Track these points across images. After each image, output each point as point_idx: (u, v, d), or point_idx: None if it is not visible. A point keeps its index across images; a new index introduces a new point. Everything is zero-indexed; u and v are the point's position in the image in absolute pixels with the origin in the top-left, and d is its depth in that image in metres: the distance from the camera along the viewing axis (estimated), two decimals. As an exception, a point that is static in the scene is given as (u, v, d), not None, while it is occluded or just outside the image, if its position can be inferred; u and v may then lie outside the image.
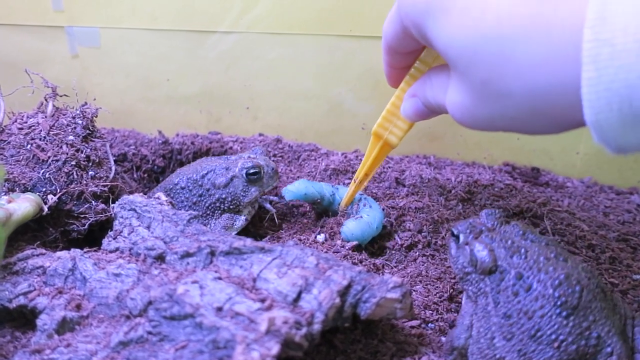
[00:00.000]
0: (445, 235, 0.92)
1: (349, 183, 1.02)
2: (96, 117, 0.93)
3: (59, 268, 0.70)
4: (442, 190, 1.05)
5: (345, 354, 0.65)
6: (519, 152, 1.27)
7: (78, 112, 0.91)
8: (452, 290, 0.81)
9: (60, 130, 0.87)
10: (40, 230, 0.83)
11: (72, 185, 0.83)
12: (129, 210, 0.81)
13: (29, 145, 0.84)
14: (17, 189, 0.81)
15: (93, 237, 0.87)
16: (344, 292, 0.61)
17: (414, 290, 0.80)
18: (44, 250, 0.77)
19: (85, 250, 0.75)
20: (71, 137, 0.87)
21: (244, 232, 0.98)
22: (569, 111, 0.47)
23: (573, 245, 0.92)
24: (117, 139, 1.27)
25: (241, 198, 0.95)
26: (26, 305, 0.67)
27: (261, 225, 1.03)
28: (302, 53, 1.24)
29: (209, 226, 0.94)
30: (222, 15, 1.24)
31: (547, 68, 0.46)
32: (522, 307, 0.60)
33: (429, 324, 0.75)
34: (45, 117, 0.88)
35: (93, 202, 0.85)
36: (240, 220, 0.96)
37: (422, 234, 0.92)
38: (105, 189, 0.87)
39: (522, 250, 0.63)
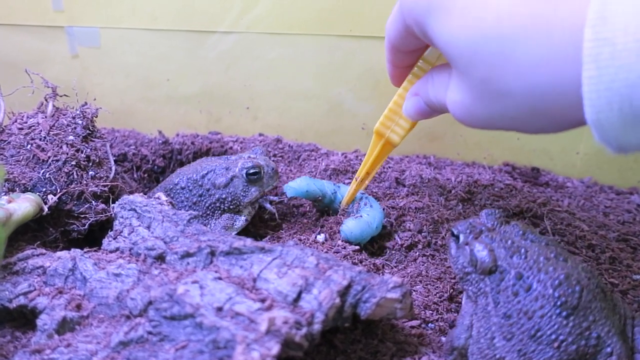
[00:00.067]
0: (445, 235, 0.92)
1: (349, 183, 1.02)
2: (96, 117, 0.93)
3: (59, 268, 0.70)
4: (442, 190, 1.05)
5: (346, 354, 0.65)
6: (519, 152, 1.28)
7: (78, 112, 0.91)
8: (452, 290, 0.81)
9: (60, 130, 0.87)
10: (40, 230, 0.83)
11: (72, 185, 0.83)
12: (129, 210, 0.81)
13: (29, 145, 0.84)
14: (17, 189, 0.81)
15: (93, 237, 0.87)
16: (344, 292, 0.61)
17: (414, 290, 0.81)
18: (44, 250, 0.77)
19: (85, 250, 0.75)
20: (71, 137, 0.87)
21: (244, 232, 0.98)
22: (569, 110, 0.47)
23: (573, 245, 0.92)
24: (117, 139, 1.27)
25: (241, 198, 0.95)
26: (26, 305, 0.67)
27: (261, 225, 1.03)
28: (302, 53, 1.24)
29: (209, 226, 0.94)
30: (222, 15, 1.24)
31: (547, 67, 0.46)
32: (522, 307, 0.60)
33: (429, 324, 0.75)
34: (46, 117, 0.88)
35: (93, 202, 0.85)
36: (241, 221, 0.96)
37: (422, 234, 0.92)
38: (106, 189, 0.87)
39: (522, 250, 0.63)
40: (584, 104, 0.43)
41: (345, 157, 1.21)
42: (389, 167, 1.16)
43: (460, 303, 0.78)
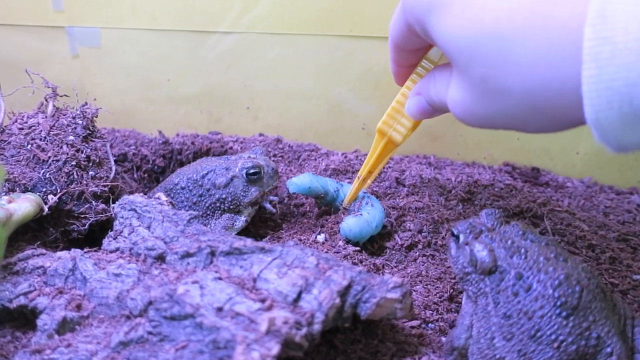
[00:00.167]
0: (445, 235, 0.92)
1: (349, 183, 1.02)
2: (96, 117, 0.93)
3: (60, 268, 0.70)
4: (442, 190, 1.05)
5: (346, 354, 0.65)
6: (519, 152, 1.28)
7: (78, 112, 0.91)
8: (452, 290, 0.81)
9: (60, 130, 0.87)
10: (40, 231, 0.83)
11: (73, 186, 0.83)
12: (129, 210, 0.81)
13: (30, 146, 0.84)
14: (18, 189, 0.81)
15: (93, 237, 0.87)
16: (344, 292, 0.61)
17: (414, 291, 0.81)
18: (44, 251, 0.77)
19: (85, 250, 0.75)
20: (71, 137, 0.87)
21: (244, 232, 0.98)
22: (569, 109, 0.47)
23: (573, 246, 0.92)
24: (118, 139, 1.27)
25: (241, 198, 0.95)
26: (26, 305, 0.67)
27: (261, 225, 1.03)
28: (302, 53, 1.24)
29: (209, 226, 0.94)
30: (222, 16, 1.24)
31: (547, 66, 0.46)
32: (522, 308, 0.60)
33: (429, 324, 0.75)
34: (46, 117, 0.88)
35: (93, 202, 0.85)
36: (241, 221, 0.96)
37: (422, 234, 0.92)
38: (106, 189, 0.87)
39: (522, 250, 0.63)
40: (583, 103, 0.43)
41: (346, 157, 1.21)
42: (389, 167, 1.16)
43: (460, 303, 0.78)
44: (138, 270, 0.67)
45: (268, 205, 1.00)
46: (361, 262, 0.84)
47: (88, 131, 0.90)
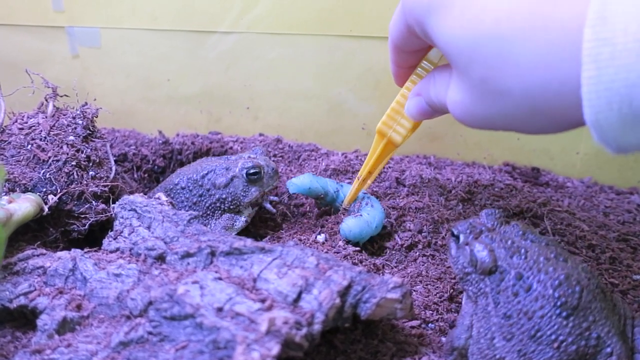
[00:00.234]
0: (446, 235, 0.92)
1: (349, 183, 1.02)
2: (96, 117, 0.93)
3: (60, 268, 0.70)
4: (442, 191, 1.05)
5: (346, 354, 0.65)
6: (519, 152, 1.28)
7: (78, 112, 0.91)
8: (452, 290, 0.81)
9: (60, 130, 0.87)
10: (40, 231, 0.83)
11: (73, 186, 0.83)
12: (129, 210, 0.81)
13: (30, 146, 0.84)
14: (18, 189, 0.81)
15: (93, 237, 0.87)
16: (344, 293, 0.61)
17: (414, 291, 0.81)
18: (44, 251, 0.77)
19: (85, 250, 0.75)
20: (72, 137, 0.87)
21: (244, 232, 0.98)
22: (568, 111, 0.47)
23: (573, 246, 0.92)
24: (118, 139, 1.27)
25: (241, 198, 0.95)
26: (27, 305, 0.67)
27: (261, 225, 1.03)
28: (302, 53, 1.24)
29: (209, 226, 0.95)
30: (222, 16, 1.24)
31: (546, 67, 0.46)
32: (522, 308, 0.60)
33: (429, 324, 0.75)
34: (46, 117, 0.88)
35: (93, 202, 0.85)
36: (241, 221, 0.96)
37: (422, 234, 0.92)
38: (106, 189, 0.87)
39: (522, 250, 0.63)
40: (583, 105, 0.43)
41: (346, 157, 1.21)
42: (389, 167, 1.16)
43: (460, 303, 0.78)
44: (138, 270, 0.67)
45: (268, 206, 1.00)
46: (361, 262, 0.84)
47: (88, 131, 0.90)
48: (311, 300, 0.59)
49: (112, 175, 0.91)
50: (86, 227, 0.84)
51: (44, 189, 0.81)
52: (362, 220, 0.89)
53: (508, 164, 1.27)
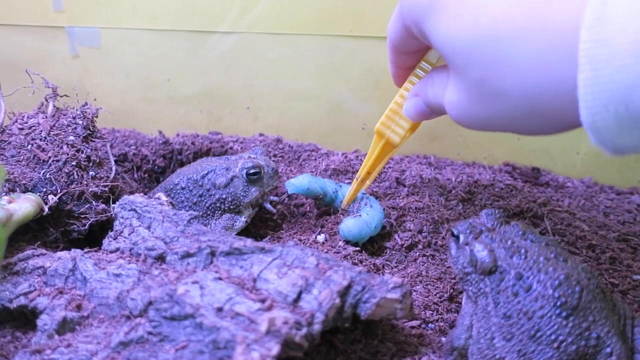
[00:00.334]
0: (446, 235, 0.92)
1: (349, 183, 1.02)
2: (97, 117, 0.93)
3: (60, 268, 0.70)
4: (442, 191, 1.05)
5: (346, 354, 0.65)
6: (519, 152, 1.28)
7: (78, 112, 0.91)
8: (452, 290, 0.81)
9: (60, 130, 0.87)
10: (40, 231, 0.83)
11: (73, 186, 0.83)
12: (129, 210, 0.81)
13: (30, 146, 0.84)
14: (18, 189, 0.81)
15: (94, 237, 0.87)
16: (344, 293, 0.61)
17: (414, 291, 0.81)
18: (44, 251, 0.77)
19: (85, 250, 0.75)
20: (72, 138, 0.87)
21: (244, 232, 0.98)
22: (566, 112, 0.47)
23: (573, 246, 0.92)
24: (118, 139, 1.27)
25: (241, 198, 0.95)
26: (27, 305, 0.67)
27: (261, 225, 1.03)
28: (302, 53, 1.24)
29: (209, 226, 0.95)
30: (222, 16, 1.24)
31: (543, 69, 0.46)
32: (521, 308, 0.60)
33: (429, 324, 0.75)
34: (46, 117, 0.88)
35: (93, 202, 0.85)
36: (241, 221, 0.96)
37: (423, 234, 0.92)
38: (106, 189, 0.87)
39: (522, 250, 0.63)
40: (579, 106, 0.43)
41: (346, 157, 1.21)
42: (389, 167, 1.16)
43: (460, 303, 0.78)
44: (138, 270, 0.67)
45: (268, 206, 1.00)
46: (361, 262, 0.84)
47: (88, 131, 0.90)
48: (311, 300, 0.59)
49: (112, 175, 0.91)
50: (86, 227, 0.84)
51: (44, 189, 0.81)
52: (361, 220, 0.89)
53: (508, 164, 1.27)
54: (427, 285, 0.82)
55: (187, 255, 0.68)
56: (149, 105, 1.38)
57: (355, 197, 0.95)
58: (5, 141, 0.85)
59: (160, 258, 0.70)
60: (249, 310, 0.55)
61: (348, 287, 0.61)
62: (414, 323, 0.74)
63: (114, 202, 0.86)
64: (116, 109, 1.36)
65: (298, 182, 0.95)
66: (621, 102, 0.41)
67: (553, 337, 0.58)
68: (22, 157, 0.83)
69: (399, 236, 0.91)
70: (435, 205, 0.98)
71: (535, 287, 0.60)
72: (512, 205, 1.01)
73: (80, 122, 0.89)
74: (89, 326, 0.63)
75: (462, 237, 0.68)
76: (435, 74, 0.66)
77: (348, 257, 0.84)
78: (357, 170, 0.93)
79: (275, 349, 0.51)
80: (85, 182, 0.85)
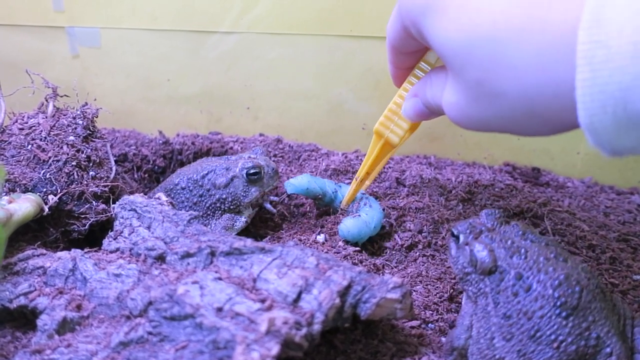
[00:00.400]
0: (446, 235, 0.92)
1: (349, 183, 1.02)
2: (97, 117, 0.93)
3: (60, 268, 0.70)
4: (442, 191, 1.05)
5: (345, 354, 0.65)
6: (519, 152, 1.27)
7: (79, 112, 0.91)
8: (452, 290, 0.81)
9: (60, 130, 0.87)
10: (40, 231, 0.84)
11: (73, 186, 0.83)
12: (129, 210, 0.81)
13: (30, 146, 0.84)
14: (18, 189, 0.81)
15: (94, 237, 0.87)
16: (344, 293, 0.61)
17: (414, 291, 0.81)
18: (44, 251, 0.77)
19: (85, 250, 0.75)
20: (72, 138, 0.87)
21: (244, 232, 0.98)
22: (564, 113, 0.47)
23: (573, 246, 0.92)
24: (118, 139, 1.27)
25: (241, 198, 0.95)
26: (27, 305, 0.67)
27: (261, 225, 1.03)
28: (302, 53, 1.24)
29: (209, 226, 0.95)
30: (222, 16, 1.24)
31: (542, 69, 0.46)
32: (521, 308, 0.60)
33: (429, 324, 0.75)
34: (46, 117, 0.88)
35: (94, 202, 0.85)
36: (241, 221, 0.96)
37: (423, 234, 0.92)
38: (106, 189, 0.87)
39: (522, 250, 0.63)
40: (577, 107, 0.43)
41: (346, 157, 1.21)
42: (389, 167, 1.16)
43: (460, 303, 0.78)
44: (138, 270, 0.67)
45: (268, 206, 1.00)
46: (361, 262, 0.84)
47: (88, 131, 0.90)
48: (311, 300, 0.59)
49: (112, 176, 0.91)
50: (86, 227, 0.84)
51: (44, 189, 0.81)
52: (361, 220, 0.89)
53: (508, 164, 1.27)
54: (427, 285, 0.82)
55: (187, 255, 0.68)
56: (149, 105, 1.38)
57: (354, 197, 0.95)
58: (6, 141, 0.85)
59: (160, 258, 0.70)
60: (248, 310, 0.55)
61: (348, 287, 0.61)
62: (414, 323, 0.74)
63: (114, 202, 0.86)
64: (116, 109, 1.36)
65: (297, 182, 0.95)
66: (619, 104, 0.40)
67: (553, 337, 0.58)
68: (22, 157, 0.83)
69: (399, 236, 0.91)
70: (435, 205, 0.98)
71: (535, 287, 0.60)
72: (512, 205, 1.01)
73: (81, 122, 0.89)
74: (89, 326, 0.63)
75: (462, 237, 0.68)
76: (433, 75, 0.66)
77: (348, 257, 0.84)
78: (357, 170, 0.93)
79: (275, 349, 0.51)
80: (85, 182, 0.85)
